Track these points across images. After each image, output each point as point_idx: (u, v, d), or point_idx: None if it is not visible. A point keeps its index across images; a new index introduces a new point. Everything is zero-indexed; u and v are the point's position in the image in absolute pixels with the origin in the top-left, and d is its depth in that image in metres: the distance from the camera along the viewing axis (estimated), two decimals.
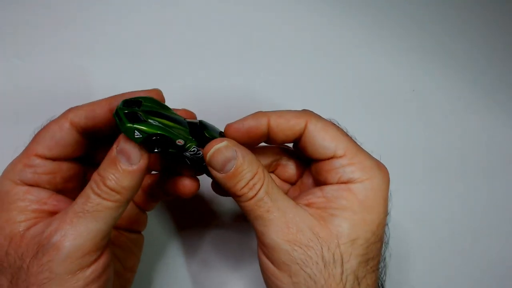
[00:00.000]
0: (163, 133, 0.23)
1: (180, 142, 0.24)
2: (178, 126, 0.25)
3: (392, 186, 0.40)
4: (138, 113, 0.23)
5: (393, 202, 0.40)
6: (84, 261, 0.23)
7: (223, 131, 0.28)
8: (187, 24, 0.43)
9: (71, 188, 0.28)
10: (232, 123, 0.27)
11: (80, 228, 0.23)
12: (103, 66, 0.41)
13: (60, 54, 0.41)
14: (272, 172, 0.31)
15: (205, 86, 0.42)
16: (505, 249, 0.41)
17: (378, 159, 0.27)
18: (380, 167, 0.26)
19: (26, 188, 0.25)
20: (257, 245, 0.26)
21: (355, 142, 0.26)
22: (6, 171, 0.26)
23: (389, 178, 0.25)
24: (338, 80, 0.44)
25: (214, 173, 0.25)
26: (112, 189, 0.23)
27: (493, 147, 0.44)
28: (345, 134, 0.26)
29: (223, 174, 0.24)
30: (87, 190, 0.24)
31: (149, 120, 0.23)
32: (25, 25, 0.41)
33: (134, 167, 0.24)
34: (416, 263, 0.40)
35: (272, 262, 0.25)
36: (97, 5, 0.43)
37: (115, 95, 0.27)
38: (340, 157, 0.25)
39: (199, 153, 0.26)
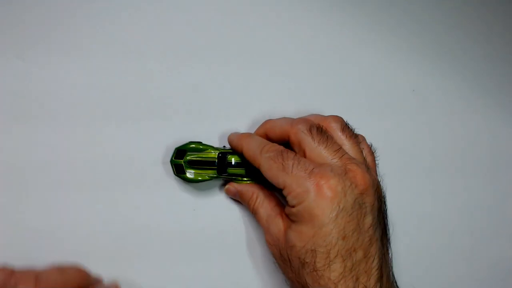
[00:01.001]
0: (192, 180, 0.37)
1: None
2: (207, 172, 0.37)
3: (391, 186, 0.41)
4: (183, 164, 0.37)
5: (393, 202, 0.40)
6: None
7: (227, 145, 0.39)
8: (187, 24, 0.43)
9: None
10: None
11: None
12: (103, 66, 0.41)
13: (60, 54, 0.41)
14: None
15: (205, 86, 0.42)
16: (505, 249, 0.41)
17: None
18: (314, 187, 0.31)
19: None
20: None
21: (292, 171, 0.32)
22: None
23: (324, 192, 0.30)
24: (338, 80, 0.44)
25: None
26: None
27: (494, 147, 0.44)
28: (282, 169, 0.32)
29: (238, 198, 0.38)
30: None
31: (188, 171, 0.36)
32: (25, 25, 0.41)
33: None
34: (416, 263, 0.40)
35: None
36: (97, 5, 0.43)
37: None
38: (283, 189, 0.32)
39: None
